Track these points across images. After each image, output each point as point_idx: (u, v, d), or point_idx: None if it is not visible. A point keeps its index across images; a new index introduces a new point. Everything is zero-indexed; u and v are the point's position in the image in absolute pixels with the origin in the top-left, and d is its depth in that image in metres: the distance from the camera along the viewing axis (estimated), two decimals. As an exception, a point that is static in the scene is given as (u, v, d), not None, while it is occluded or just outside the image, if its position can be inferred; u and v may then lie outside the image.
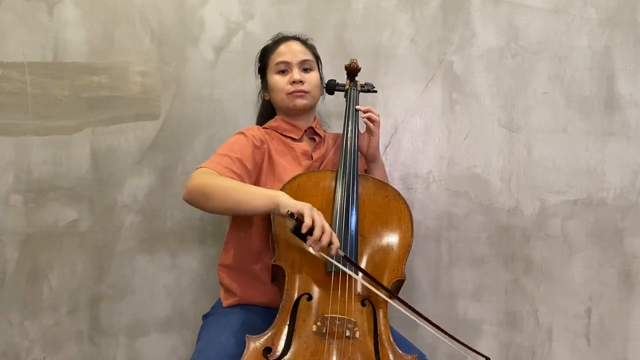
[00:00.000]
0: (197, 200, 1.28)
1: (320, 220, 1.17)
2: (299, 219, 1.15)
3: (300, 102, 1.48)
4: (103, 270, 1.70)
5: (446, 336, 1.19)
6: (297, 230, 1.15)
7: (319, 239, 1.15)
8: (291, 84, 1.47)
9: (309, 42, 1.56)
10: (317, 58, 1.56)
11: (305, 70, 1.50)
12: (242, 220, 1.42)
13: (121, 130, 1.71)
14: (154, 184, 1.72)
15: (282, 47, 1.50)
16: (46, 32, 1.68)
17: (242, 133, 1.44)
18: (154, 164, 1.71)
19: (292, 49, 1.49)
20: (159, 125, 1.73)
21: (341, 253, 1.18)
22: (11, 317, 1.65)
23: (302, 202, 1.19)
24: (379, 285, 1.22)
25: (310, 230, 1.15)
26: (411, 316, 1.20)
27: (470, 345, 1.18)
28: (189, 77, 1.75)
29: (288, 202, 1.19)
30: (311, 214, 1.16)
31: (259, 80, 1.60)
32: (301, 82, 1.47)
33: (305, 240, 1.16)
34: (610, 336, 1.75)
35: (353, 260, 1.24)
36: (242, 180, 1.33)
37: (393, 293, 1.25)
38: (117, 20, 1.72)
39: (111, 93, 1.71)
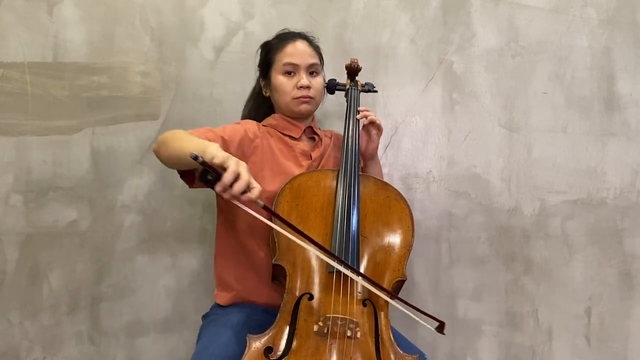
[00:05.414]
0: (157, 149, 1.27)
1: (235, 166, 1.03)
2: (205, 162, 1.01)
3: (306, 107, 1.48)
4: (103, 270, 1.70)
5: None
6: (203, 176, 1.04)
7: (230, 186, 1.03)
8: (298, 89, 1.46)
9: (315, 42, 1.53)
10: (321, 58, 1.54)
11: (312, 74, 1.48)
12: (226, 208, 1.43)
13: (121, 130, 1.71)
14: (154, 184, 1.72)
15: (290, 48, 1.47)
16: (46, 32, 1.67)
17: (238, 123, 1.46)
18: (154, 164, 1.70)
19: (301, 51, 1.47)
20: (159, 125, 1.72)
21: (260, 203, 1.06)
22: (11, 317, 1.65)
23: (229, 155, 1.07)
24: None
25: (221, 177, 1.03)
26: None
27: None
28: (189, 77, 1.75)
29: (215, 152, 1.07)
30: (225, 159, 1.04)
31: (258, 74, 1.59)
32: (308, 87, 1.46)
33: (213, 187, 1.04)
34: (610, 336, 1.75)
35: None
36: None
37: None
38: (117, 20, 1.71)
39: (111, 93, 1.71)
